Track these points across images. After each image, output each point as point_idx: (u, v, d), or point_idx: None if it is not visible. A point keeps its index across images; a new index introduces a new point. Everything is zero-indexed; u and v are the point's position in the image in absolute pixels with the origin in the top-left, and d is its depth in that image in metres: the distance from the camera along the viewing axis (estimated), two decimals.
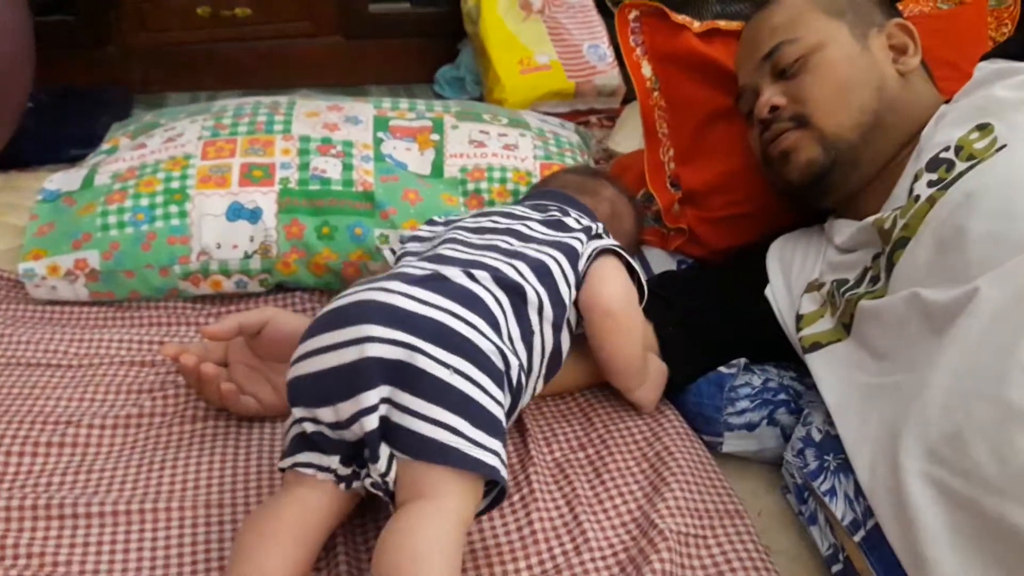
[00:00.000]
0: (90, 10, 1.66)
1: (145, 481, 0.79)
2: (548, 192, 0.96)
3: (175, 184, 1.02)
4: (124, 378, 0.91)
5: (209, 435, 0.84)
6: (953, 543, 0.63)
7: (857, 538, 0.73)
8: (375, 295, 0.70)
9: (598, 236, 0.86)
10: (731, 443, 0.88)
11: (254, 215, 1.01)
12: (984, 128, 0.80)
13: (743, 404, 0.88)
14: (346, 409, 0.66)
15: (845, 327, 0.83)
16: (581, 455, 0.84)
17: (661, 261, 1.08)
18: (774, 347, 0.92)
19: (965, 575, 0.61)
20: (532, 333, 0.77)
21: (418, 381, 0.66)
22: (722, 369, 0.90)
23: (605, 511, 0.78)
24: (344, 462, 0.69)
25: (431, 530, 0.62)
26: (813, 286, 0.90)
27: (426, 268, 0.76)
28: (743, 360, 0.91)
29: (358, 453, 0.68)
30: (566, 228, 0.86)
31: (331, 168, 1.04)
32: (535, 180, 1.08)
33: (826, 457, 0.79)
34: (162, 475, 0.80)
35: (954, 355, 0.68)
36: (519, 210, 0.89)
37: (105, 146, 1.16)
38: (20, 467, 0.80)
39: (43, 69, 1.30)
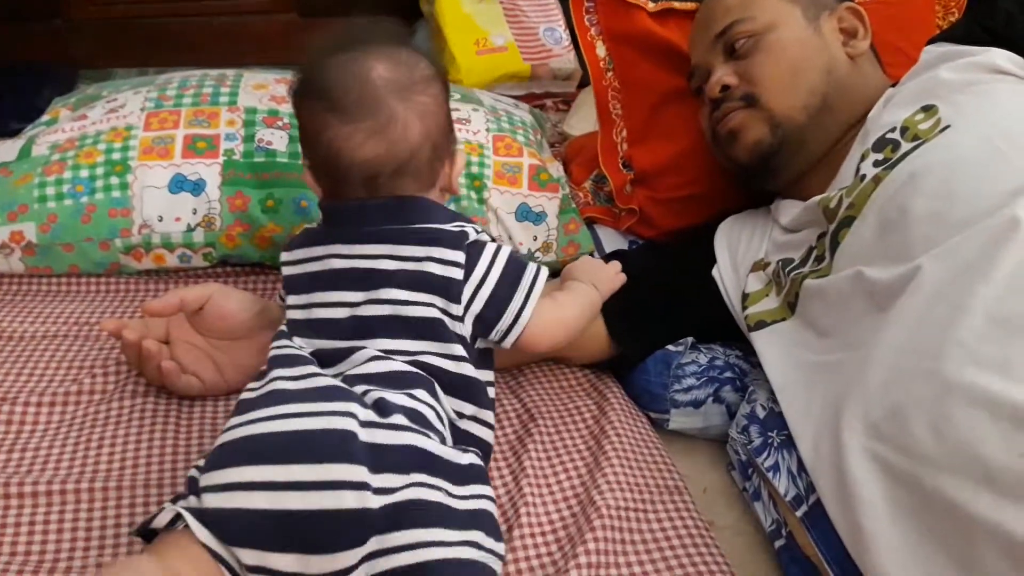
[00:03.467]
0: None
1: (82, 460, 0.77)
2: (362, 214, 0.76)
3: (116, 155, 0.99)
4: (64, 354, 0.89)
5: (148, 413, 0.82)
6: (892, 516, 0.64)
7: (799, 513, 0.73)
8: (342, 423, 0.62)
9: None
10: (677, 420, 0.89)
11: (197, 187, 0.99)
12: (929, 109, 0.81)
13: (689, 381, 0.89)
14: (322, 564, 0.59)
15: (790, 306, 0.84)
16: (532, 429, 0.84)
17: (613, 240, 1.09)
18: (721, 326, 0.92)
19: (903, 548, 0.63)
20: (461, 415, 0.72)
21: (421, 515, 0.61)
22: (669, 347, 0.91)
23: (550, 487, 0.78)
24: None
25: None
26: (759, 266, 0.91)
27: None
28: (690, 339, 0.92)
29: None
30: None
31: (277, 140, 1.02)
32: (488, 152, 1.06)
33: (770, 434, 0.80)
34: (99, 454, 0.78)
35: (895, 332, 0.69)
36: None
37: (45, 118, 1.12)
38: None
39: None
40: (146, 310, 0.81)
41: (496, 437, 0.83)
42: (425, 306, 0.71)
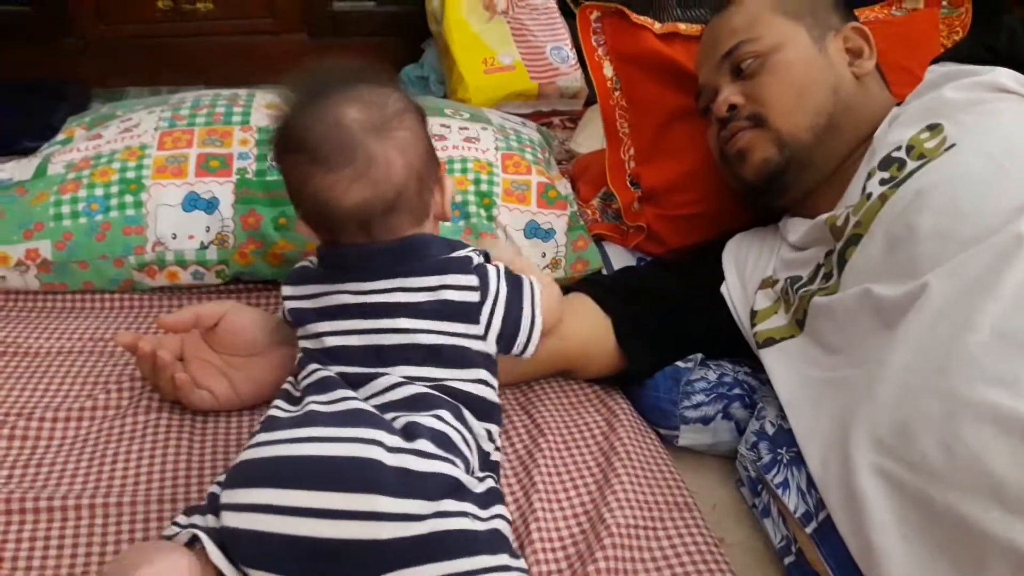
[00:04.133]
0: (47, 0, 1.63)
1: (96, 475, 0.78)
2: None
3: (131, 174, 1.01)
4: (79, 370, 0.89)
5: (163, 428, 0.82)
6: (901, 533, 0.64)
7: (809, 529, 0.74)
8: (368, 451, 0.63)
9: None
10: (687, 436, 0.89)
11: (211, 205, 1.00)
12: (934, 128, 0.82)
13: (699, 398, 0.89)
14: None
15: (798, 323, 0.85)
16: (543, 444, 0.84)
17: (621, 257, 1.09)
18: (730, 343, 0.93)
19: (913, 564, 0.63)
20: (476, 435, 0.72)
21: (451, 546, 0.61)
22: (679, 364, 0.92)
23: (560, 503, 0.78)
24: None
25: None
26: (767, 283, 0.92)
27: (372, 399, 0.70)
28: (699, 355, 0.93)
29: None
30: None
31: None
32: (497, 171, 1.07)
33: (779, 450, 0.80)
34: (114, 469, 0.78)
35: (903, 350, 0.70)
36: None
37: (60, 137, 1.14)
38: None
39: None
40: (161, 324, 0.82)
41: (506, 452, 0.84)
42: (445, 335, 0.73)
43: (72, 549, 0.71)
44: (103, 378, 0.88)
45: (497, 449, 0.75)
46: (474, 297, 0.74)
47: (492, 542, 0.63)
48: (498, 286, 0.76)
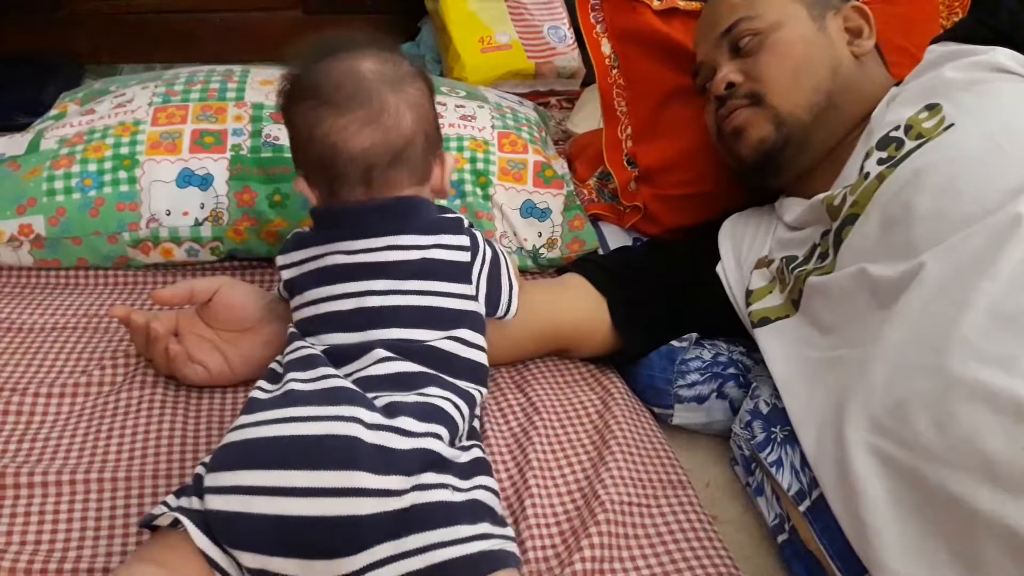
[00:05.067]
0: None
1: (91, 450, 0.78)
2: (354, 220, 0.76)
3: (124, 150, 1.00)
4: (73, 346, 0.89)
5: (157, 404, 0.82)
6: (894, 511, 0.64)
7: (803, 508, 0.74)
8: (347, 428, 0.62)
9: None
10: (681, 415, 0.90)
11: (205, 182, 0.99)
12: (933, 108, 0.81)
13: (693, 377, 0.89)
14: (325, 570, 0.60)
15: (794, 303, 0.85)
16: (538, 422, 0.84)
17: (617, 237, 1.09)
18: (725, 323, 0.93)
19: (905, 542, 0.63)
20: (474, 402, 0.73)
21: (430, 517, 0.61)
22: (673, 343, 0.92)
23: (554, 480, 0.79)
24: None
25: None
26: (763, 263, 0.92)
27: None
28: (694, 335, 0.93)
29: None
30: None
31: (284, 136, 1.01)
32: (493, 149, 1.07)
33: (773, 429, 0.81)
34: (108, 444, 0.78)
35: (898, 329, 0.70)
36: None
37: (53, 112, 1.13)
38: None
39: None
40: (155, 297, 0.82)
41: (500, 429, 0.84)
42: (436, 295, 0.73)
43: (67, 524, 0.71)
44: (97, 354, 0.88)
45: (480, 416, 0.75)
46: (465, 257, 0.76)
47: (472, 512, 0.63)
48: (485, 248, 0.79)
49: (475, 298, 0.76)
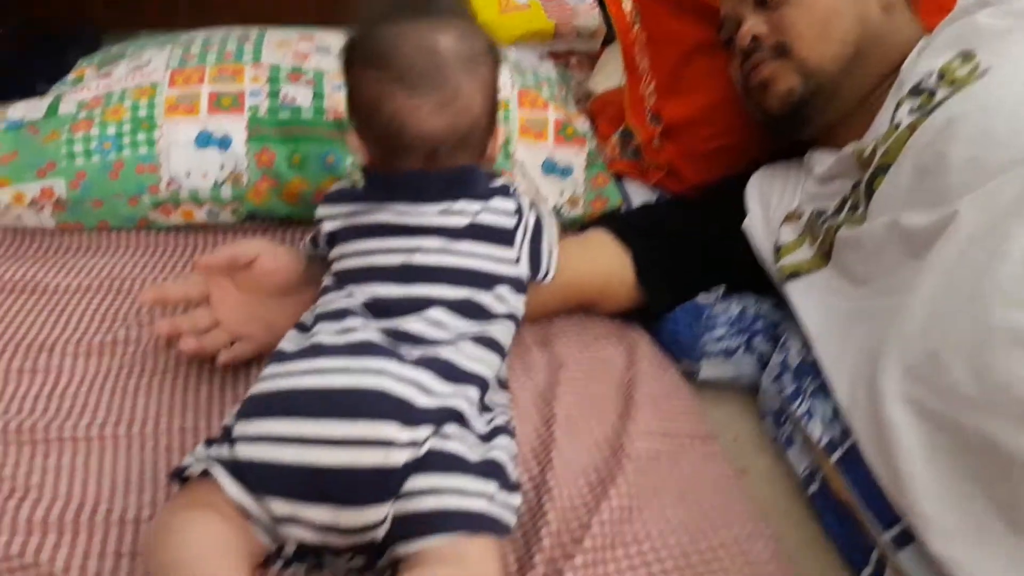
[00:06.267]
0: None
1: (119, 407, 0.78)
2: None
3: (142, 112, 0.99)
4: (97, 306, 0.89)
5: (183, 362, 0.82)
6: (930, 458, 0.63)
7: (834, 459, 0.73)
8: (375, 381, 0.63)
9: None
10: (708, 370, 0.89)
11: (223, 143, 0.99)
12: (966, 55, 0.79)
13: (721, 331, 0.88)
14: (353, 517, 0.60)
15: (825, 256, 0.84)
16: (563, 377, 0.83)
17: (641, 195, 1.08)
18: (751, 279, 0.92)
19: (941, 489, 0.62)
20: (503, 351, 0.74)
21: (440, 462, 0.62)
22: (700, 297, 0.91)
23: (580, 433, 0.78)
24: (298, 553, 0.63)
25: None
26: (792, 217, 0.90)
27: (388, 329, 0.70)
28: (721, 288, 0.91)
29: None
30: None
31: (301, 97, 1.01)
32: (512, 107, 1.05)
33: (803, 381, 0.80)
34: (136, 401, 0.79)
35: (933, 277, 0.69)
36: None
37: (71, 76, 1.12)
38: None
39: (5, 2, 1.25)
40: (199, 266, 0.80)
41: (525, 386, 0.83)
42: (480, 258, 0.74)
43: (97, 478, 0.71)
44: (122, 315, 0.88)
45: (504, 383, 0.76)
46: (511, 222, 0.76)
47: (484, 470, 0.64)
48: (528, 212, 0.78)
49: (517, 262, 0.76)
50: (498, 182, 0.78)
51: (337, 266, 0.76)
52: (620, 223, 0.95)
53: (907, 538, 0.65)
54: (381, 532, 0.60)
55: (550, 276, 0.81)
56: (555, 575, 0.64)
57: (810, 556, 0.72)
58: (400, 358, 0.66)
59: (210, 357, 0.81)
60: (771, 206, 0.94)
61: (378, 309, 0.71)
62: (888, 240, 0.75)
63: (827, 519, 0.74)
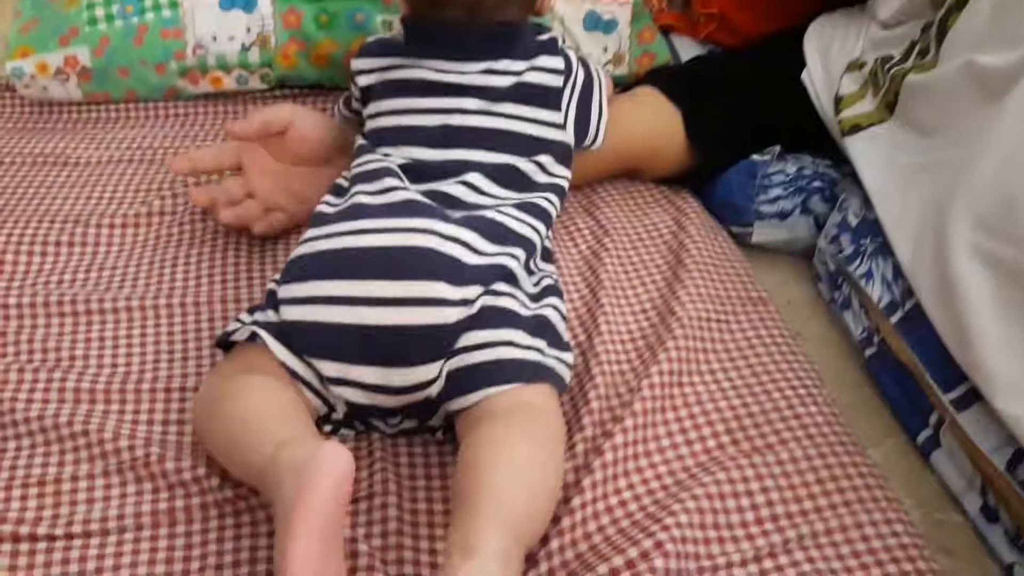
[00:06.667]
0: None
1: (158, 277, 0.77)
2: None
3: None
4: (130, 178, 0.87)
5: (221, 231, 0.81)
6: (999, 312, 0.60)
7: (894, 320, 0.71)
8: (423, 240, 0.61)
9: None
10: (761, 232, 0.85)
11: (249, 4, 0.94)
12: None
13: (776, 192, 0.84)
14: (404, 376, 0.59)
15: (888, 107, 0.78)
16: (608, 244, 0.81)
17: (690, 50, 1.01)
18: (809, 135, 0.87)
19: (1009, 343, 0.59)
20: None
21: (492, 317, 0.60)
22: (754, 157, 0.86)
23: (627, 298, 0.76)
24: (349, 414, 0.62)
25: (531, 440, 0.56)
26: (854, 66, 0.84)
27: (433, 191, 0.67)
28: (777, 147, 0.86)
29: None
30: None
31: None
32: None
33: (862, 241, 0.76)
34: (175, 271, 0.78)
35: (1011, 121, 0.64)
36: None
37: None
38: (30, 266, 0.78)
39: None
40: (230, 132, 0.77)
41: (570, 252, 0.81)
42: (525, 120, 0.71)
43: (140, 347, 0.71)
44: (155, 185, 0.86)
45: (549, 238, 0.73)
46: (558, 81, 0.72)
47: (535, 326, 0.62)
48: (577, 70, 0.74)
49: (563, 127, 0.73)
50: (544, 35, 0.74)
51: (371, 124, 0.73)
52: (669, 78, 0.89)
53: (969, 400, 0.63)
54: (435, 389, 0.59)
55: (599, 142, 0.77)
56: (604, 437, 0.63)
57: (865, 420, 0.70)
58: (445, 217, 0.64)
59: (246, 228, 0.79)
60: (831, 56, 0.87)
61: (415, 173, 0.69)
62: (961, 84, 0.70)
63: (884, 382, 0.72)
